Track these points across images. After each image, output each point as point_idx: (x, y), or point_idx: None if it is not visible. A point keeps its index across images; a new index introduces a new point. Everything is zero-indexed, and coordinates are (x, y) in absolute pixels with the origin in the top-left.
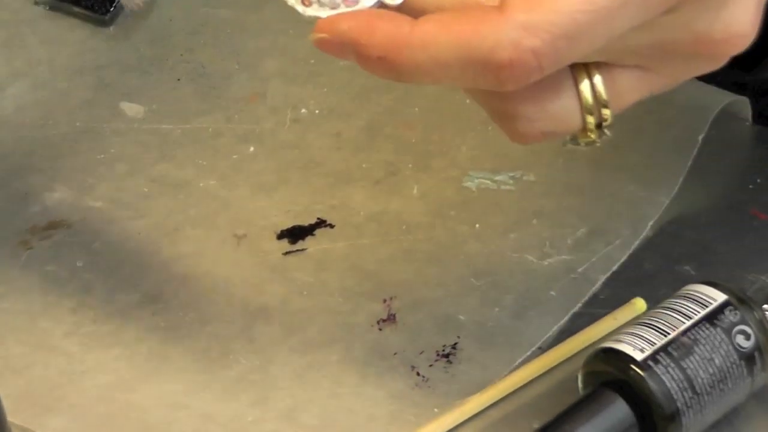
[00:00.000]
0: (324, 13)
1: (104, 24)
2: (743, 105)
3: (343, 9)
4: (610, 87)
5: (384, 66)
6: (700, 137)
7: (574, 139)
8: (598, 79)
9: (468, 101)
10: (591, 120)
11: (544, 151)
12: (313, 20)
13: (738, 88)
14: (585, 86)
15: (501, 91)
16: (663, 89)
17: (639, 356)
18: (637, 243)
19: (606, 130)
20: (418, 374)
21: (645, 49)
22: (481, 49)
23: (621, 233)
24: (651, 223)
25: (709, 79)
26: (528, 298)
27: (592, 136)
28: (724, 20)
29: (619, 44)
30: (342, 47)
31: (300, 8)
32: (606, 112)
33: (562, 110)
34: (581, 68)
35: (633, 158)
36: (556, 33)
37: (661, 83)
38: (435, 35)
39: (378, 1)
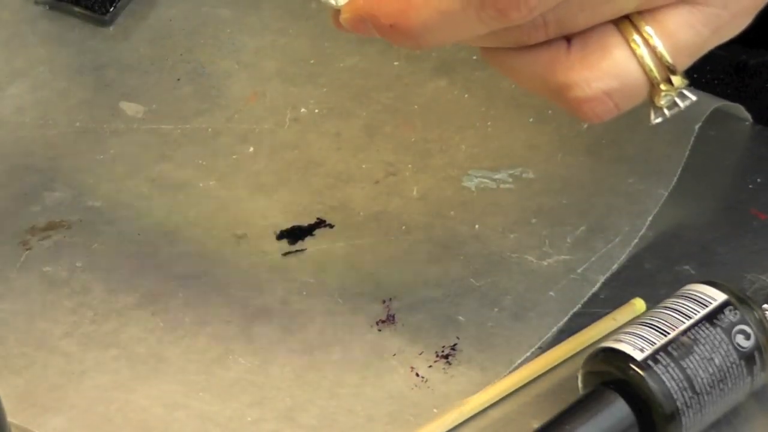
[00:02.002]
0: None
1: (104, 24)
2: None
3: None
4: (660, 30)
5: (398, 33)
6: (697, 126)
7: (655, 107)
8: (647, 29)
9: (467, 95)
10: (653, 70)
11: (542, 146)
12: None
13: (738, 92)
14: (634, 38)
15: (510, 24)
16: (723, 24)
17: (639, 356)
18: (636, 240)
19: (682, 89)
20: (417, 375)
21: None
22: None
23: (621, 230)
24: (650, 218)
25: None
26: (527, 299)
27: (664, 88)
28: None
29: None
30: (362, 23)
31: (333, 1)
32: (663, 54)
33: (618, 64)
34: (627, 23)
35: (631, 149)
36: None
37: (715, 15)
38: None
39: None
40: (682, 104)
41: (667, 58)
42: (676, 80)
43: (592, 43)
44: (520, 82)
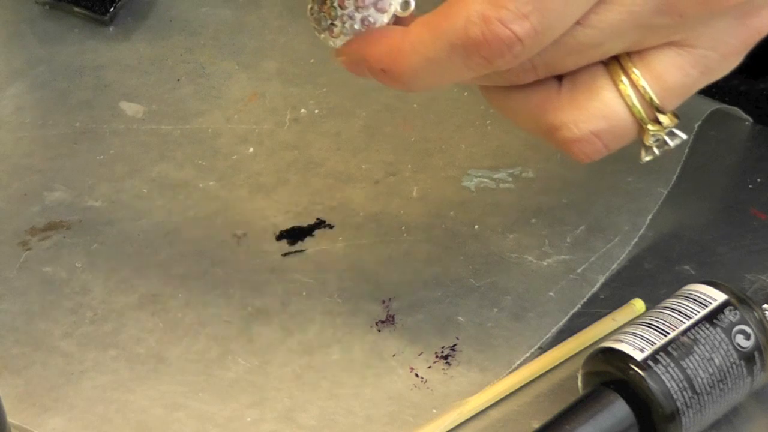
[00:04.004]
0: None
1: (104, 24)
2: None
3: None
4: (648, 72)
5: (389, 77)
6: (697, 125)
7: (645, 146)
8: (635, 71)
9: (466, 93)
10: (640, 111)
11: (542, 145)
12: None
13: (738, 94)
14: (622, 79)
15: (496, 70)
16: (712, 66)
17: (639, 356)
18: (636, 239)
19: (670, 128)
20: (416, 375)
21: (658, 18)
22: (456, 32)
23: (620, 229)
24: (650, 216)
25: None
26: (527, 300)
27: (652, 129)
28: None
29: (630, 22)
30: (357, 65)
31: (331, 42)
32: (651, 96)
33: (606, 105)
34: (615, 64)
35: (630, 148)
36: (520, 0)
37: (704, 57)
38: (420, 35)
39: (392, 18)
40: (671, 143)
41: (655, 99)
42: (665, 120)
43: (581, 84)
44: (516, 121)
